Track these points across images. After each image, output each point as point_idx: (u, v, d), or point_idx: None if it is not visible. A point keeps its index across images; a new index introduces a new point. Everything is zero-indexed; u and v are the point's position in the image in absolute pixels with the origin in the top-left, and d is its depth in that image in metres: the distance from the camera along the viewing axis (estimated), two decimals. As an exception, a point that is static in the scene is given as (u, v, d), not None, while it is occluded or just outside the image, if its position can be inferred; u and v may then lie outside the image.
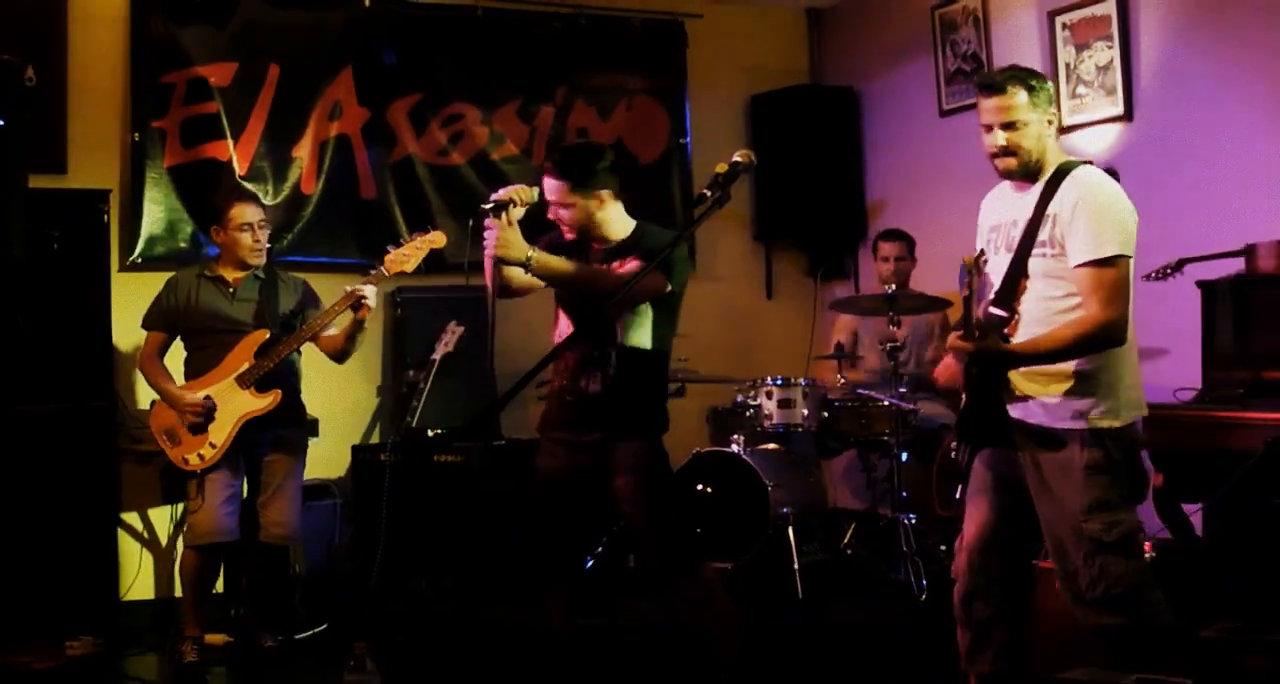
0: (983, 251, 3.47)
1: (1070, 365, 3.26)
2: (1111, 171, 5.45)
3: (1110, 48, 5.54)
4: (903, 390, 5.69)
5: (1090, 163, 3.44)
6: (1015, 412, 3.35)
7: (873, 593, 5.56)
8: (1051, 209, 3.29)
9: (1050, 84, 3.43)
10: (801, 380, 5.98)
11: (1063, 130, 5.74)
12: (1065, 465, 3.27)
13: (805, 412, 5.90)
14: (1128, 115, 5.50)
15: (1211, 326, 4.55)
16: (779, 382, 5.95)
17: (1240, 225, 4.83)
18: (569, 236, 4.00)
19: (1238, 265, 4.61)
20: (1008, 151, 3.36)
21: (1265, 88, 5.01)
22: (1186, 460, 4.40)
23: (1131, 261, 3.25)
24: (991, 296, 3.41)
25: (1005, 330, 3.34)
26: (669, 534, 4.02)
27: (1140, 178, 5.47)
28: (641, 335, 3.98)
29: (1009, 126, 3.34)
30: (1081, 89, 5.69)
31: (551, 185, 3.92)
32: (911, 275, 6.23)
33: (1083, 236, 3.22)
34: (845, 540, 5.91)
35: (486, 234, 3.77)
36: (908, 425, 5.72)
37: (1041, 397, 3.30)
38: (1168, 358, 5.28)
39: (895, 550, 5.55)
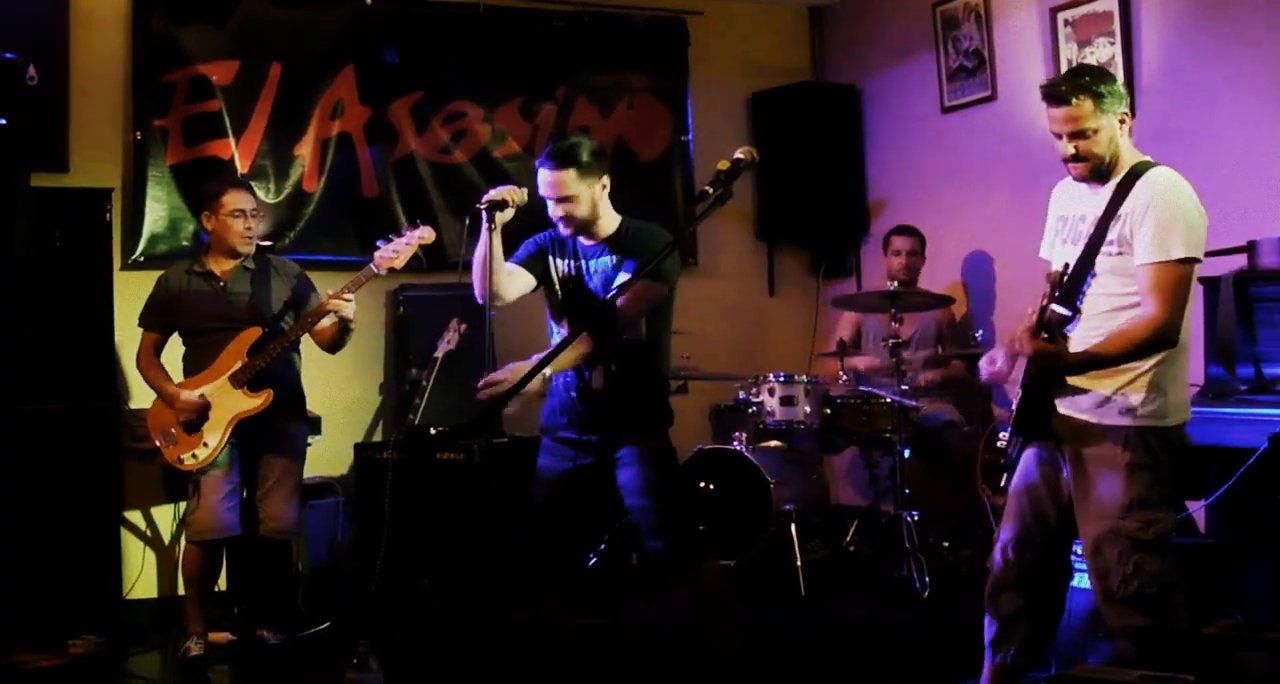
0: (1067, 265, 3.41)
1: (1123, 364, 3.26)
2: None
3: (1112, 44, 5.53)
4: (905, 387, 5.69)
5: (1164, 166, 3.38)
6: (1062, 405, 3.34)
7: (875, 590, 5.56)
8: (1124, 209, 3.27)
9: (1119, 83, 3.37)
10: (804, 377, 5.98)
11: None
12: (1108, 461, 3.27)
13: (807, 409, 5.90)
14: (1130, 112, 5.48)
15: (1213, 323, 4.54)
16: (781, 379, 5.95)
17: (1242, 222, 4.82)
18: (567, 232, 3.97)
19: (1239, 262, 4.61)
20: (1079, 158, 3.33)
21: (1267, 84, 5.00)
22: (1188, 457, 4.40)
23: (1197, 266, 3.24)
24: (1056, 294, 3.39)
25: (1067, 329, 3.34)
26: (677, 529, 4.02)
27: (1142, 174, 5.48)
28: (641, 329, 3.99)
29: (1078, 135, 3.31)
30: (1083, 86, 5.68)
31: (554, 178, 3.86)
32: (920, 271, 6.24)
33: (1150, 236, 3.21)
34: (847, 538, 5.91)
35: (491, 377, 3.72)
36: (910, 422, 5.72)
37: (1091, 391, 3.30)
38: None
39: (898, 548, 5.55)
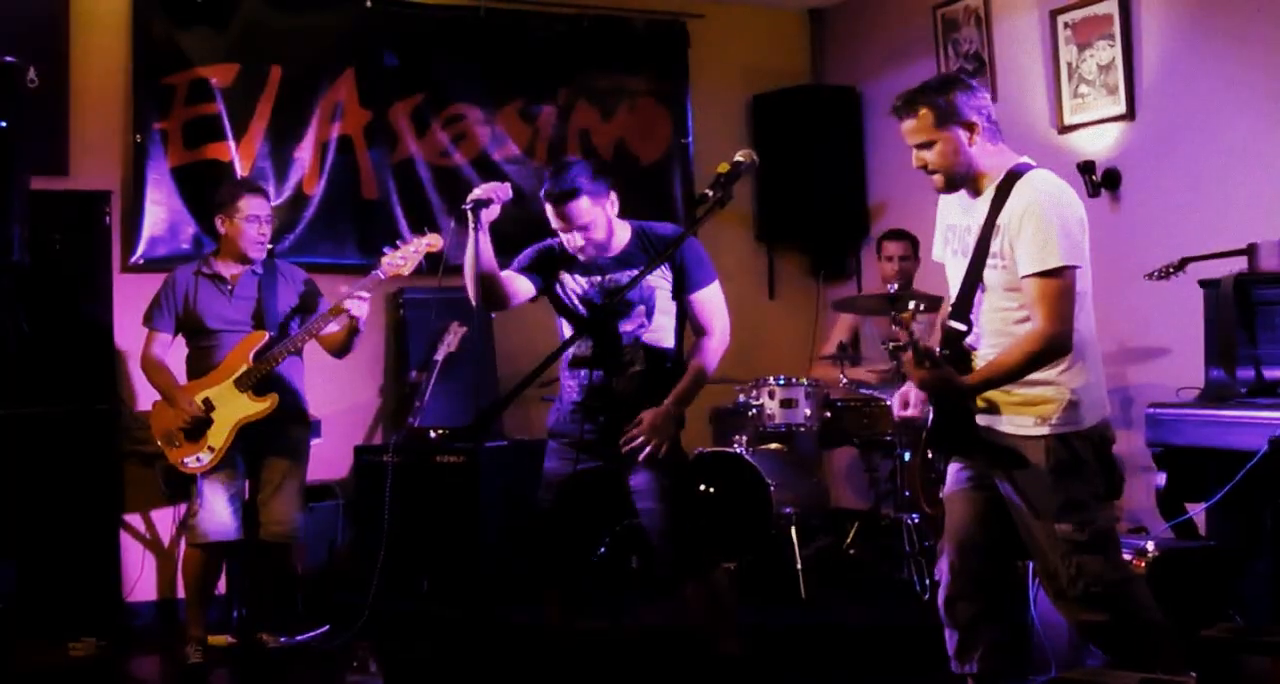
0: (916, 306, 3.46)
1: (1032, 375, 3.25)
2: (1114, 171, 5.55)
3: (1112, 47, 5.53)
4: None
5: (1036, 166, 3.35)
6: (983, 420, 3.35)
7: (876, 592, 5.56)
8: (1001, 219, 3.26)
9: (966, 89, 3.32)
10: (804, 380, 5.98)
11: (1064, 129, 5.76)
12: (1033, 470, 3.27)
13: (807, 411, 5.90)
14: (1130, 115, 5.50)
15: (1214, 326, 4.55)
16: (781, 381, 5.95)
17: (1242, 224, 4.83)
18: (589, 255, 3.93)
19: (1240, 264, 4.61)
20: (929, 170, 3.36)
21: (1267, 86, 5.00)
22: (1189, 459, 4.41)
23: (1079, 270, 3.21)
24: (948, 309, 3.41)
25: (965, 342, 3.35)
26: (687, 532, 4.01)
27: (1142, 177, 5.49)
28: (664, 336, 3.99)
29: (923, 147, 3.34)
30: (1083, 88, 5.69)
31: (566, 211, 3.82)
32: (914, 275, 6.24)
33: (1028, 247, 3.19)
34: (848, 540, 5.91)
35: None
36: (910, 425, 5.70)
37: (1004, 405, 3.31)
38: (1170, 357, 5.29)
39: (898, 550, 5.55)
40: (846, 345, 6.33)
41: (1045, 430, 3.26)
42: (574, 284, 4.00)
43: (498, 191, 3.79)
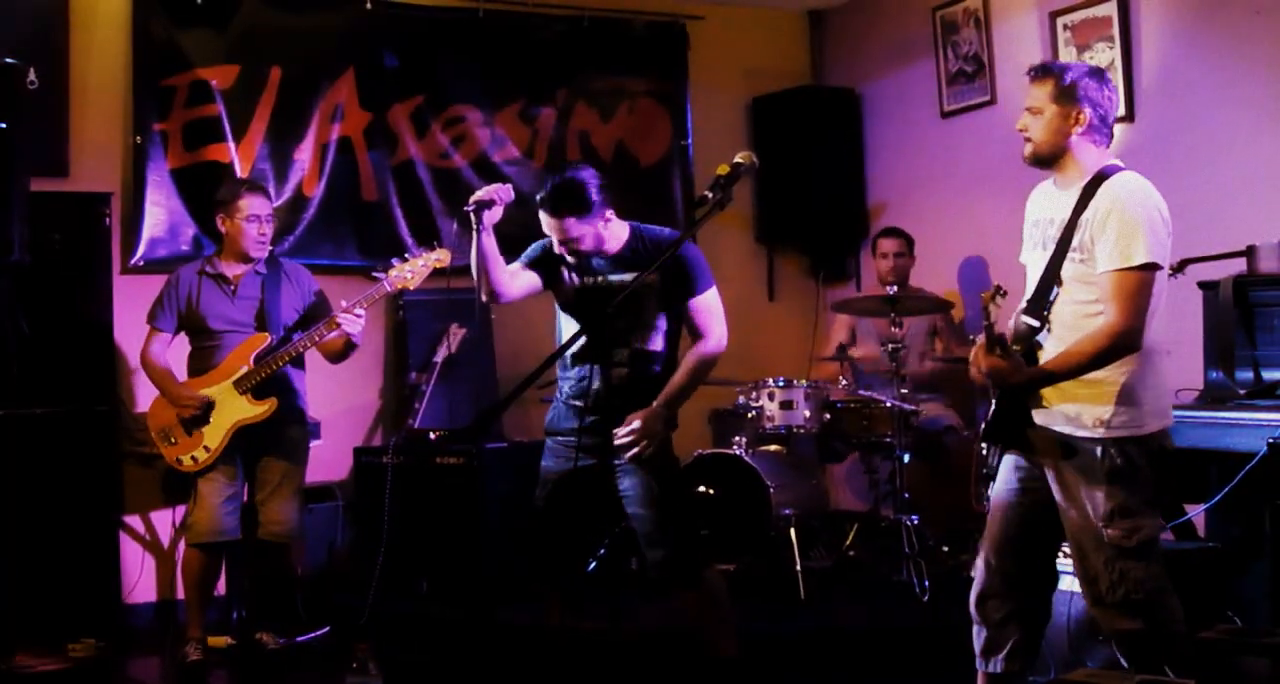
0: (999, 287, 3.44)
1: (1096, 374, 3.25)
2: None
3: (1111, 49, 5.54)
4: (904, 391, 5.69)
5: (1127, 168, 3.40)
6: (1039, 417, 3.35)
7: (875, 594, 5.56)
8: (1086, 214, 3.28)
9: (1099, 82, 3.37)
10: (803, 382, 5.98)
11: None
12: (1087, 472, 3.27)
13: (807, 413, 5.89)
14: (1129, 116, 5.50)
15: (1212, 327, 4.55)
16: (781, 383, 5.95)
17: (1241, 226, 4.83)
18: (576, 257, 3.96)
19: (1239, 266, 4.61)
20: (1025, 137, 3.39)
21: (1266, 88, 5.01)
22: (1188, 461, 4.40)
23: (1160, 272, 3.23)
24: (1024, 304, 3.41)
25: (1040, 338, 3.35)
26: (678, 537, 4.01)
27: (1141, 179, 5.48)
28: (656, 339, 4.00)
29: (1034, 112, 3.37)
30: (1083, 90, 5.69)
31: (558, 224, 3.85)
32: (910, 273, 6.24)
33: (1111, 243, 3.21)
34: (848, 542, 5.91)
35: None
36: (910, 426, 5.72)
37: (1065, 404, 3.31)
38: (1169, 358, 5.28)
39: (897, 552, 5.55)
40: (846, 345, 6.34)
41: (1102, 432, 3.25)
42: (571, 283, 4.01)
43: (499, 193, 3.81)
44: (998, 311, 3.37)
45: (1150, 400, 3.29)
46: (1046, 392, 3.33)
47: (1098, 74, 3.39)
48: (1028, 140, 3.40)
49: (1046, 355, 3.34)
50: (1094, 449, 3.27)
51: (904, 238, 6.24)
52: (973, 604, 3.52)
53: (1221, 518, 4.30)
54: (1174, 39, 5.35)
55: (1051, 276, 3.34)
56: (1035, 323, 3.35)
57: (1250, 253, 4.57)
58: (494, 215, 3.82)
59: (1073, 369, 3.24)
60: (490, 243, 3.85)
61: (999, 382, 3.35)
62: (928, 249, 6.31)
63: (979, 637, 3.51)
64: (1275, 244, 4.50)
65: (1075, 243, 3.29)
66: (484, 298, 3.93)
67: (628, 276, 3.91)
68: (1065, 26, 5.75)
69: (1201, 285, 4.63)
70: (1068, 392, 3.29)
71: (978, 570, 3.53)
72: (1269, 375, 4.36)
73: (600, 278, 3.97)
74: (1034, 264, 3.45)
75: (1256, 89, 5.04)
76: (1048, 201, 3.47)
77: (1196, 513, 4.39)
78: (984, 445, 3.55)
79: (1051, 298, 3.34)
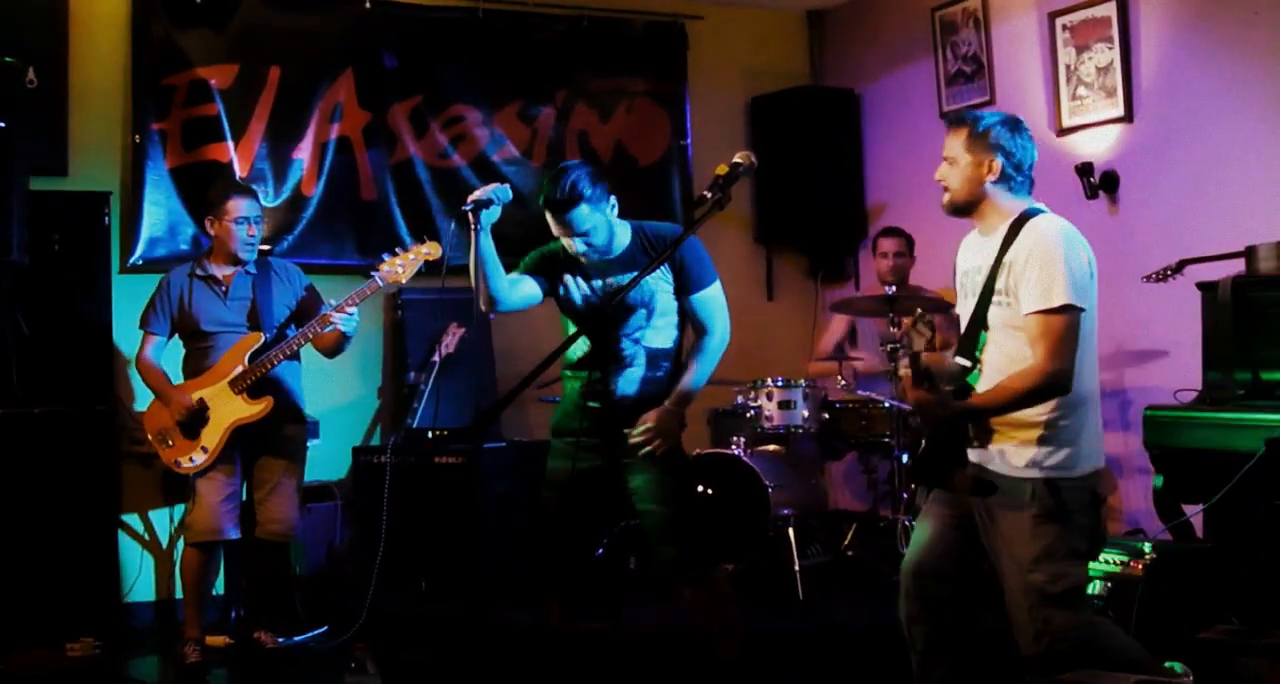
0: (922, 313, 3.44)
1: (1029, 414, 3.21)
2: (1112, 173, 5.56)
3: (1111, 49, 5.54)
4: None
5: (1048, 211, 3.34)
6: (974, 456, 3.32)
7: (874, 594, 5.55)
8: (1008, 257, 3.25)
9: (1014, 131, 3.32)
10: (802, 382, 5.98)
11: (1063, 132, 5.76)
12: (1016, 513, 3.22)
13: (806, 413, 5.90)
14: (1128, 117, 5.51)
15: (1211, 328, 4.55)
16: (779, 383, 5.95)
17: (1240, 227, 4.83)
18: (591, 258, 3.94)
19: (1238, 266, 4.62)
20: (942, 185, 3.38)
21: (1265, 89, 5.01)
22: (1186, 461, 4.41)
23: (1083, 313, 3.18)
24: (954, 348, 3.38)
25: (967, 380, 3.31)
26: (688, 534, 4.01)
27: (1141, 179, 5.50)
28: (664, 337, 4.00)
29: (946, 161, 3.36)
30: (1082, 90, 5.70)
31: (569, 217, 3.81)
32: (910, 273, 6.24)
33: (1033, 284, 3.18)
34: (846, 541, 5.91)
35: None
36: (908, 427, 5.72)
37: (999, 444, 3.27)
38: (1168, 359, 5.29)
39: (896, 551, 5.55)
40: (844, 345, 6.34)
41: (1035, 473, 3.21)
42: (576, 287, 4.00)
43: (497, 193, 3.80)
44: (922, 340, 3.36)
45: (1084, 442, 3.24)
46: (978, 431, 3.29)
47: (1012, 122, 3.35)
48: (945, 190, 3.37)
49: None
50: (1024, 489, 3.21)
51: (904, 237, 6.24)
52: (903, 627, 3.45)
53: (1220, 518, 4.30)
54: (1173, 39, 5.36)
55: (979, 322, 3.31)
56: (967, 363, 3.31)
57: (1249, 254, 4.57)
58: (491, 215, 3.81)
59: (1001, 405, 3.20)
60: (488, 245, 3.82)
61: (926, 415, 3.32)
62: (927, 250, 6.31)
63: (913, 661, 3.45)
64: (1274, 244, 4.50)
65: (999, 286, 3.26)
66: (483, 307, 3.92)
67: (634, 276, 3.90)
68: (1064, 27, 5.76)
69: (1201, 286, 4.64)
70: (1000, 432, 3.26)
71: (900, 596, 3.46)
72: (1267, 376, 4.37)
73: (607, 278, 3.96)
74: (965, 313, 3.41)
75: (1255, 89, 5.05)
76: (973, 251, 3.44)
77: (1196, 513, 4.40)
78: (911, 484, 3.50)
79: (981, 343, 3.31)
